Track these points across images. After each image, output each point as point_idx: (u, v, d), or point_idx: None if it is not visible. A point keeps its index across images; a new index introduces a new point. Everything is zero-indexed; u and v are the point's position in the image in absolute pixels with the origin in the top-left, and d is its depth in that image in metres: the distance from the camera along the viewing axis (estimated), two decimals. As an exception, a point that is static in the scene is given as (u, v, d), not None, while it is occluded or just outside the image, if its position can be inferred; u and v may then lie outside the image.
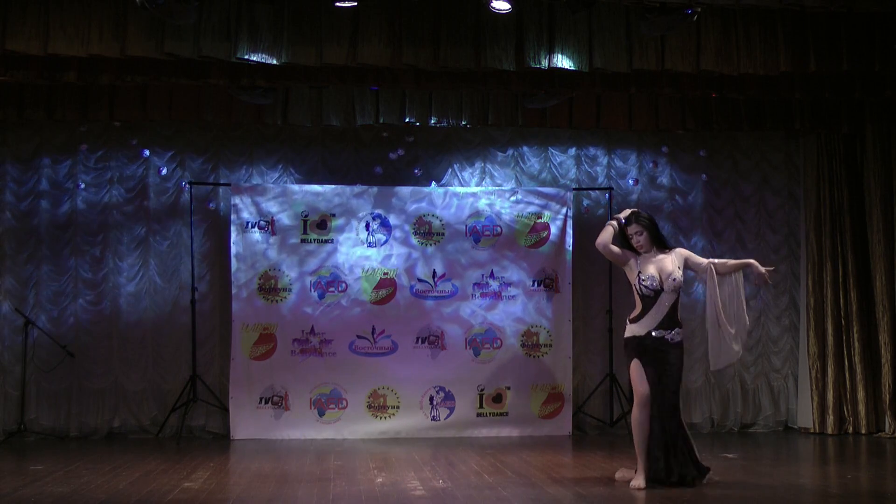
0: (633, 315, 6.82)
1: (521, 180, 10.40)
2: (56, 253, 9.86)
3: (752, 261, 6.94)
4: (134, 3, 7.05)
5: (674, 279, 6.69)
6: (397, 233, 9.97)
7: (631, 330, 6.79)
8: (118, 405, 9.81)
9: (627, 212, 6.99)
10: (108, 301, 9.89)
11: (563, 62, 7.94)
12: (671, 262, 6.77)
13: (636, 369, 6.70)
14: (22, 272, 9.79)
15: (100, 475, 7.31)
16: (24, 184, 9.87)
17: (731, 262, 7.00)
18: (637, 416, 6.68)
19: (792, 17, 8.06)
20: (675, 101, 9.56)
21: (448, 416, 9.87)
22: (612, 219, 7.02)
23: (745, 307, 6.90)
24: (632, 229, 6.84)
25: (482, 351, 9.95)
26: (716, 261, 6.95)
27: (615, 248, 6.86)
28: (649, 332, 6.69)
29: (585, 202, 10.45)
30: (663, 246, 6.87)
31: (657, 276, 6.71)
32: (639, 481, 6.65)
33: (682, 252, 6.91)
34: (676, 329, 6.74)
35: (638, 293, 6.78)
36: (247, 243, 9.78)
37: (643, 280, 6.72)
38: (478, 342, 9.96)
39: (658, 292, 6.69)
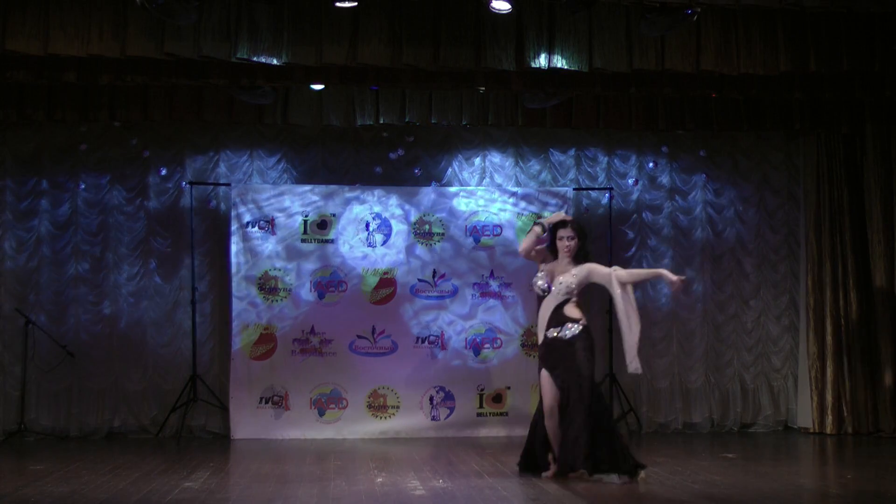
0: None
1: (521, 180, 10.40)
2: (56, 253, 9.86)
3: (662, 271, 6.98)
4: (134, 3, 7.05)
5: (562, 283, 6.85)
6: (397, 233, 9.96)
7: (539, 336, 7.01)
8: (118, 405, 9.81)
9: (557, 216, 7.11)
10: (108, 301, 9.89)
11: (563, 62, 7.95)
12: (571, 274, 6.90)
13: (543, 380, 6.92)
14: (22, 272, 9.79)
15: (100, 475, 7.30)
16: (24, 184, 9.87)
17: (641, 271, 7.06)
18: (547, 424, 6.89)
19: (792, 17, 8.06)
20: (675, 101, 9.56)
21: (448, 416, 9.87)
22: (536, 223, 7.14)
23: (632, 328, 6.83)
24: (566, 232, 6.98)
25: (482, 351, 9.95)
26: (621, 271, 6.94)
27: (533, 252, 7.08)
28: (545, 336, 6.88)
29: (585, 202, 10.45)
30: (577, 260, 6.96)
31: (548, 278, 6.88)
32: (550, 471, 6.88)
33: (587, 266, 6.98)
34: (567, 325, 6.81)
35: (535, 295, 7.08)
36: (247, 243, 9.79)
37: (534, 280, 6.97)
38: (478, 342, 9.96)
39: (545, 292, 6.89)
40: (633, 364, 6.87)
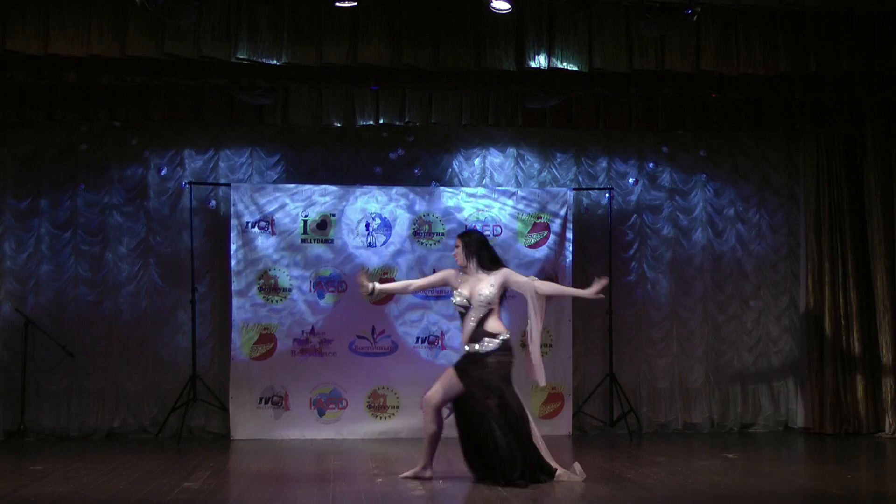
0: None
1: (521, 180, 10.40)
2: (56, 253, 9.85)
3: (584, 292, 6.98)
4: (134, 3, 7.05)
5: (481, 294, 6.85)
6: (397, 233, 9.96)
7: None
8: (118, 405, 9.81)
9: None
10: (108, 301, 9.88)
11: (562, 62, 7.95)
12: (489, 284, 6.89)
13: (445, 374, 6.99)
14: (22, 272, 9.78)
15: (100, 475, 7.31)
16: (24, 184, 9.87)
17: (566, 289, 7.41)
18: (424, 417, 7.06)
19: (792, 17, 8.06)
20: (675, 101, 9.56)
21: (448, 416, 9.83)
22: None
23: (535, 340, 7.00)
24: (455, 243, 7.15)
25: (482, 351, 9.93)
26: (540, 282, 7.04)
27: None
28: (466, 349, 6.92)
29: (585, 202, 10.45)
30: (487, 267, 6.96)
31: (467, 293, 6.90)
32: (412, 472, 7.01)
33: (503, 272, 7.00)
34: (485, 339, 6.84)
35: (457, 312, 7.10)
36: (247, 243, 9.78)
37: (453, 299, 6.98)
38: (478, 342, 9.95)
39: (467, 308, 6.90)
40: (541, 376, 7.03)
